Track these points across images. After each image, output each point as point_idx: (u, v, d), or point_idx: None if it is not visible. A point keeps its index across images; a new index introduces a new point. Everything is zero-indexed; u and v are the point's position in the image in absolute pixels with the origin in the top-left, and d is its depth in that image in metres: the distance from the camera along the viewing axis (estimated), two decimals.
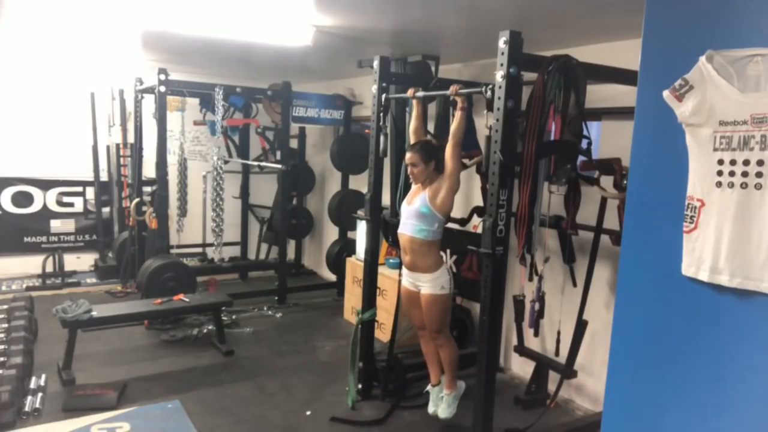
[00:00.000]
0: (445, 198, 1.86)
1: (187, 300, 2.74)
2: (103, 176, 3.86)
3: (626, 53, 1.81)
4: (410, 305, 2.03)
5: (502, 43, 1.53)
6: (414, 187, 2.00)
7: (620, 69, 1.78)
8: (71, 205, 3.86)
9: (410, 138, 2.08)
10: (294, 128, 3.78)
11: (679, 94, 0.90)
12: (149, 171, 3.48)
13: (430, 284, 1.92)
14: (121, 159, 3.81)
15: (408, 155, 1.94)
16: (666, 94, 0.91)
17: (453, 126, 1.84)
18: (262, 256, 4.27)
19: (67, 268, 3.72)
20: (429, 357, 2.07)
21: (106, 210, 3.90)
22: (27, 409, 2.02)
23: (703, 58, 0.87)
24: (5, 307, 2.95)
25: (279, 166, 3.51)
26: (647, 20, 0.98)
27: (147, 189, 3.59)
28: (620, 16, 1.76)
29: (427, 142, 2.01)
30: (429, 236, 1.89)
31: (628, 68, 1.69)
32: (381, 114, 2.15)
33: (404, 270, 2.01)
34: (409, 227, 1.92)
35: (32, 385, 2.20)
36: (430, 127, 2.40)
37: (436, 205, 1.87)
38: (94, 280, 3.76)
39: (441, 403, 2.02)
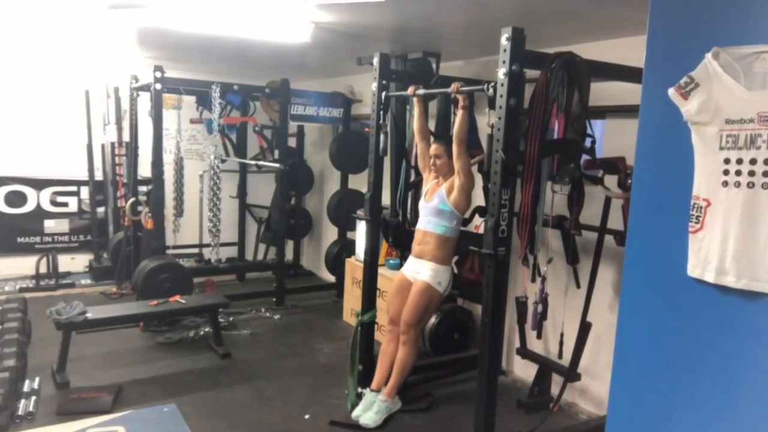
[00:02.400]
0: (457, 197, 1.87)
1: (184, 302, 2.70)
2: (98, 175, 3.81)
3: (631, 50, 1.79)
4: (397, 293, 1.99)
5: (504, 40, 1.51)
6: (429, 184, 1.98)
7: (625, 66, 1.76)
8: (65, 204, 3.82)
9: (415, 137, 2.05)
10: (292, 126, 3.75)
11: (684, 92, 0.88)
12: (145, 170, 3.45)
13: (429, 273, 1.90)
14: (117, 158, 3.77)
15: (434, 146, 1.95)
16: (671, 91, 0.90)
17: (456, 125, 1.83)
18: (260, 256, 4.24)
19: (61, 268, 3.69)
20: (383, 358, 2.00)
21: (100, 210, 3.86)
22: (20, 412, 1.98)
23: (709, 55, 0.86)
24: None
25: (277, 165, 3.47)
26: (652, 16, 0.97)
27: (143, 188, 3.55)
28: (624, 11, 1.74)
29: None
30: (447, 232, 1.91)
31: (633, 65, 1.67)
32: (381, 112, 2.13)
33: (410, 258, 1.99)
34: (430, 225, 1.92)
35: (26, 388, 2.17)
36: (431, 126, 2.38)
37: (450, 203, 1.89)
38: (88, 281, 3.72)
39: (371, 408, 1.92)
